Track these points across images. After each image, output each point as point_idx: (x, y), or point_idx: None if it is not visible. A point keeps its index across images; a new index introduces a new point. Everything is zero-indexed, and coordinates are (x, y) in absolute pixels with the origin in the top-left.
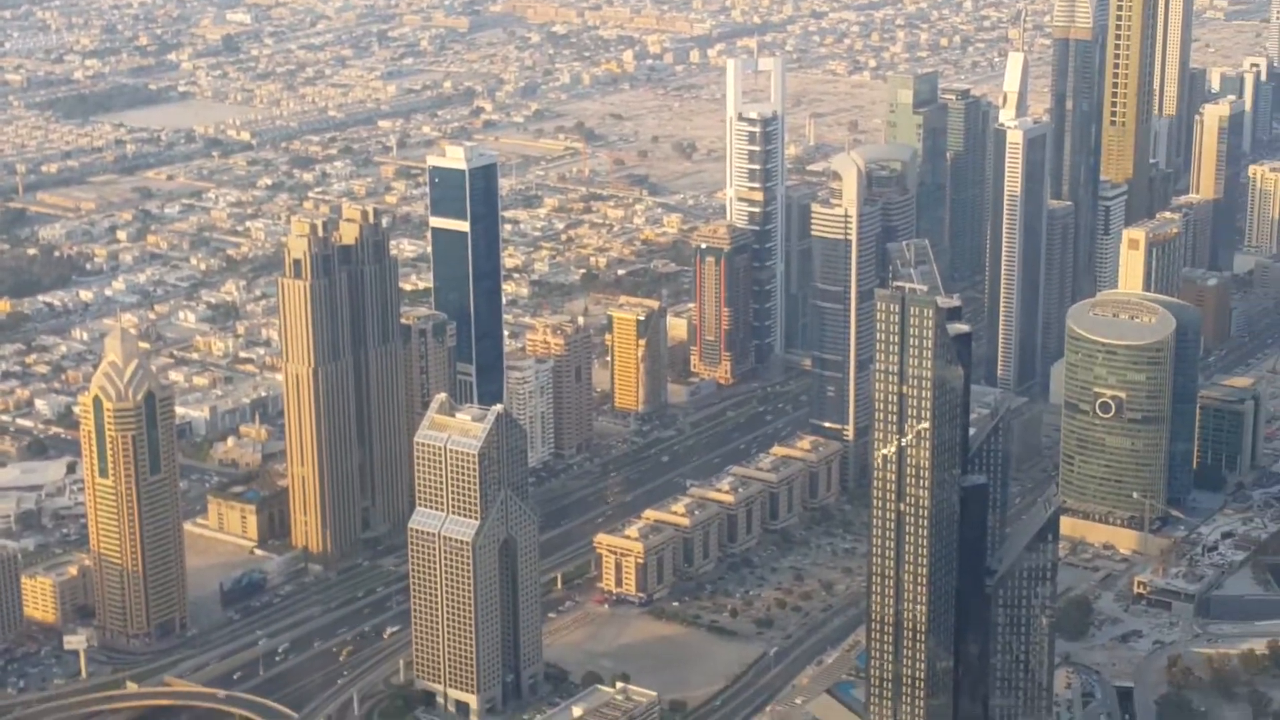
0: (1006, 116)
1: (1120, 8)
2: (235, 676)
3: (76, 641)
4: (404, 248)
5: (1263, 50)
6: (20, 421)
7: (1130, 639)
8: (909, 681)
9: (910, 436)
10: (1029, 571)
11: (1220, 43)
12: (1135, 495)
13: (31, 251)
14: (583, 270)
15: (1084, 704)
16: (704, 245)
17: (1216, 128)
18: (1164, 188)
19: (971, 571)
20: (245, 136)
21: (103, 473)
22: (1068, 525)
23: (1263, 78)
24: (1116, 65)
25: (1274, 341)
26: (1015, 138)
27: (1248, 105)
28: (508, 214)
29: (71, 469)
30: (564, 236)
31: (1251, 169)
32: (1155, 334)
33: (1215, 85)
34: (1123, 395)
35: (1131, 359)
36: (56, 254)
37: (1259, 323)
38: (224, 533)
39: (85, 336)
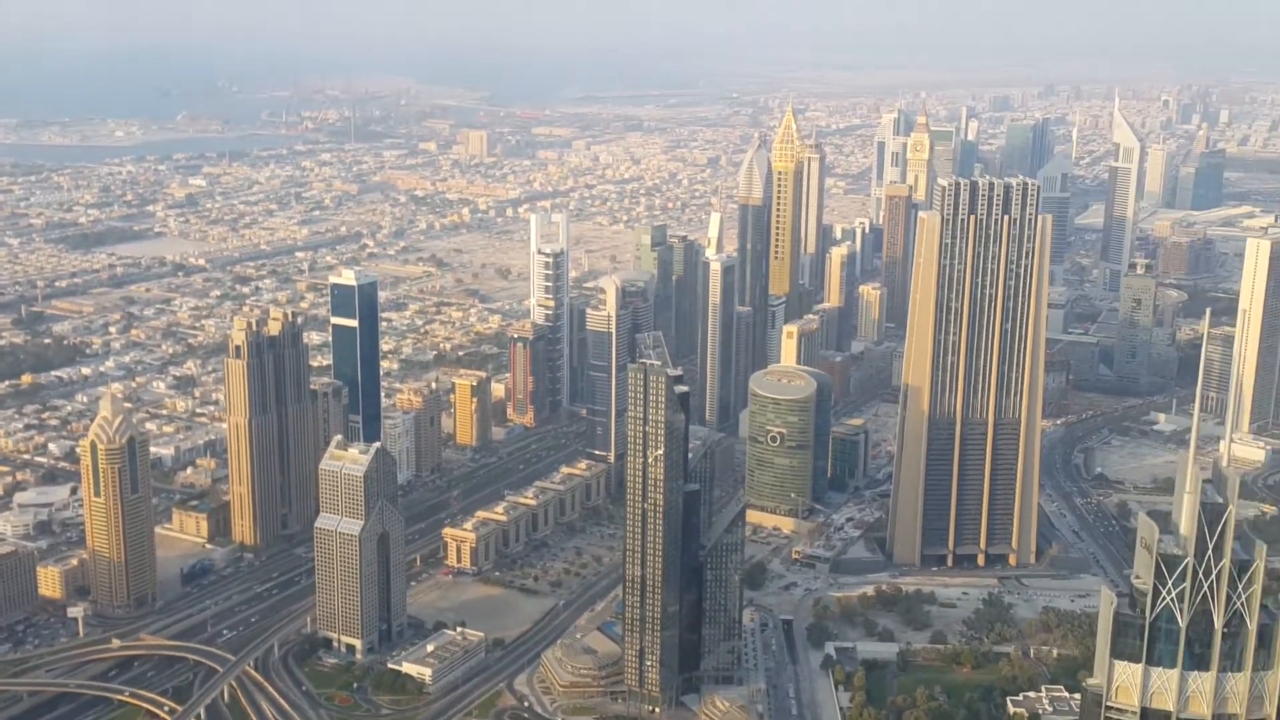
0: (710, 253)
1: (779, 185)
2: (191, 633)
3: (76, 611)
4: (312, 338)
5: (867, 214)
6: (37, 458)
7: (790, 588)
8: (650, 620)
9: (651, 459)
10: (726, 546)
11: (841, 208)
12: (792, 495)
13: (47, 341)
14: (435, 352)
15: (761, 630)
16: (515, 336)
17: (839, 261)
18: (808, 299)
19: (690, 546)
20: (201, 263)
21: (97, 493)
22: (751, 516)
23: (867, 231)
24: (777, 222)
25: (875, 398)
26: (715, 267)
27: (858, 247)
28: (384, 315)
29: (74, 491)
30: (422, 330)
31: (861, 288)
32: (803, 392)
33: (838, 234)
34: (784, 431)
35: (789, 408)
36: (65, 343)
37: (866, 385)
38: (183, 533)
39: (84, 399)
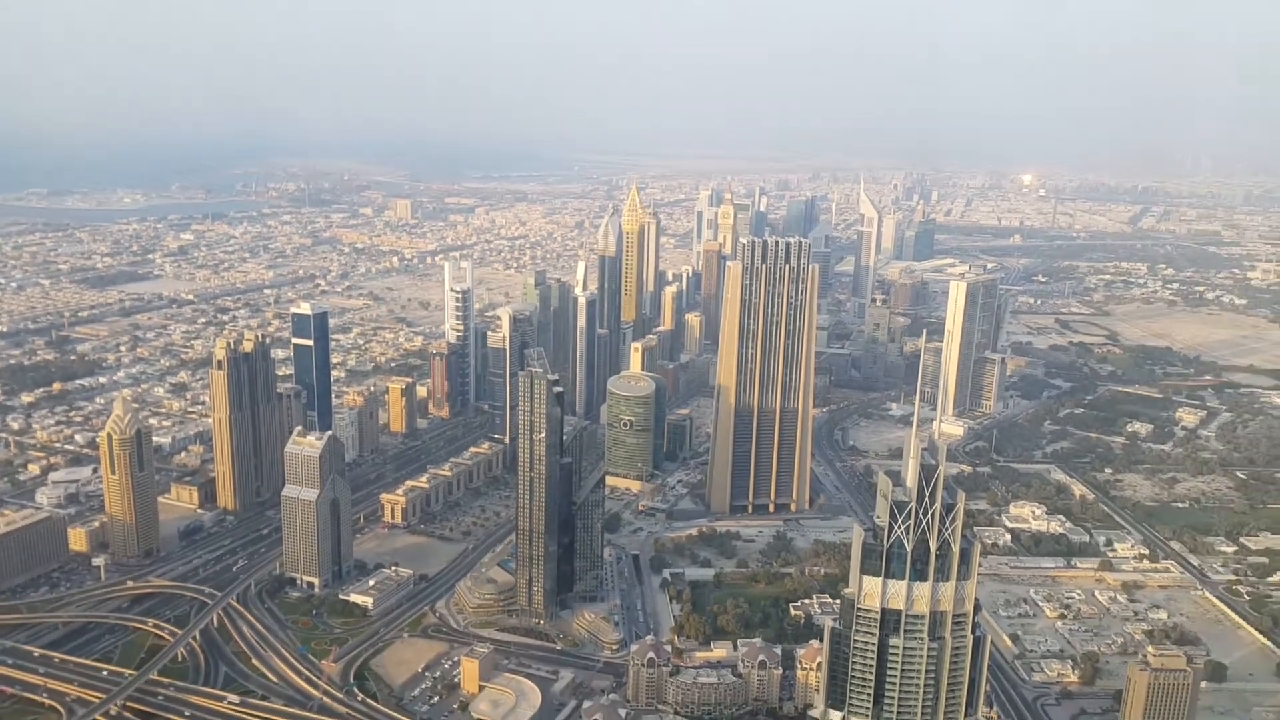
0: (578, 291)
1: (627, 242)
2: (188, 576)
3: (99, 561)
4: (278, 354)
5: (690, 263)
6: (66, 446)
7: (638, 531)
8: (536, 558)
9: (536, 441)
10: (591, 502)
11: (672, 259)
12: (639, 465)
13: (72, 357)
14: (373, 364)
15: (616, 562)
16: (434, 351)
17: (671, 297)
18: (649, 324)
19: (565, 503)
20: (191, 298)
21: (113, 472)
22: (609, 480)
23: (690, 275)
24: (626, 268)
25: (697, 394)
26: (581, 300)
27: (684, 286)
28: (333, 336)
29: (95, 470)
30: (363, 347)
31: (687, 316)
32: (646, 390)
33: (670, 277)
34: (633, 419)
35: (636, 402)
36: (86, 359)
37: (691, 385)
38: (179, 501)
39: (102, 401)
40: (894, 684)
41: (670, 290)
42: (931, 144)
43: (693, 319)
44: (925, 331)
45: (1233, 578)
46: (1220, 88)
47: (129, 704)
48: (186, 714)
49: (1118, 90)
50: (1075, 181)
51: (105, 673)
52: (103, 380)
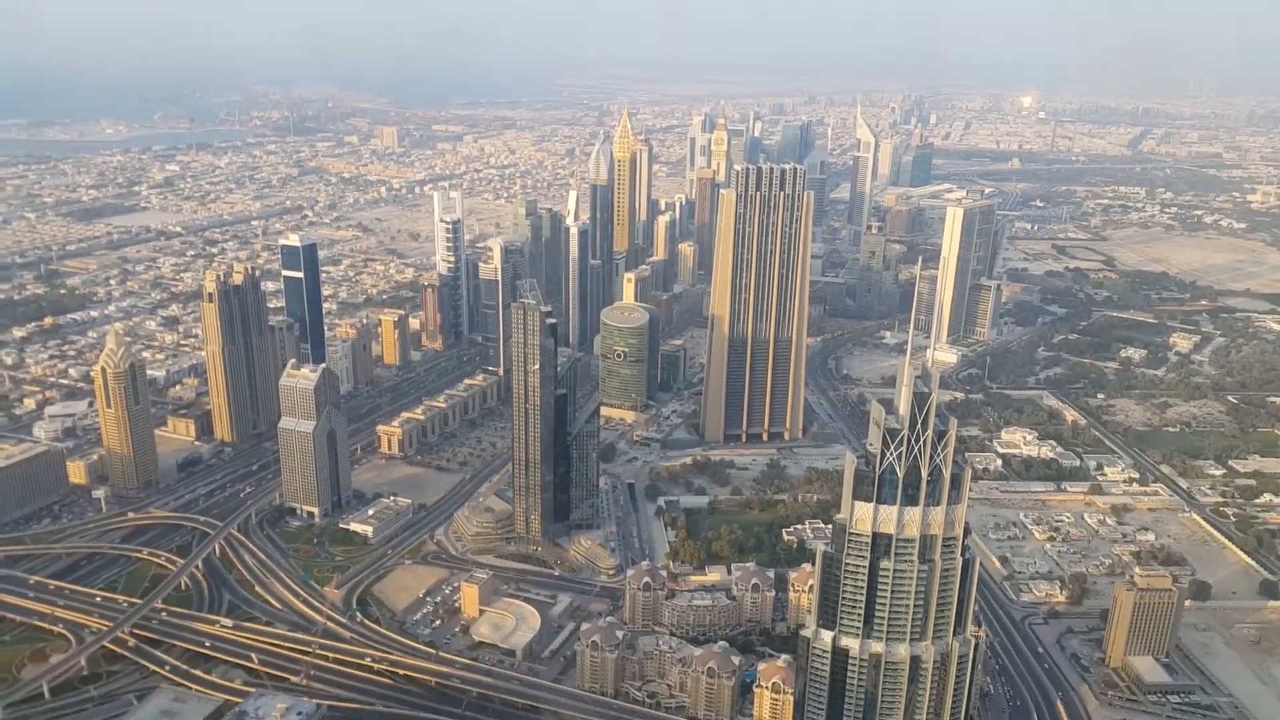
0: (570, 221)
1: (619, 170)
2: (188, 507)
3: (99, 493)
4: (268, 286)
5: (683, 191)
6: (61, 380)
7: (633, 461)
8: (532, 487)
9: (530, 372)
10: (586, 433)
11: (664, 187)
12: (633, 395)
13: (62, 292)
14: (364, 296)
15: (612, 490)
16: (426, 283)
17: (664, 226)
18: (642, 254)
19: (560, 433)
20: (179, 229)
21: (108, 405)
22: (604, 411)
23: (683, 203)
24: (618, 197)
25: (691, 324)
26: (573, 231)
27: (677, 216)
28: (323, 268)
29: (90, 404)
30: (354, 279)
31: (680, 245)
32: (640, 321)
33: (663, 206)
34: (626, 350)
35: (630, 333)
36: (77, 293)
37: (684, 316)
38: (176, 434)
39: (94, 335)
40: (884, 605)
41: (663, 219)
42: (930, 64)
43: (686, 248)
44: (921, 259)
45: (1220, 500)
46: (1228, 2)
47: (135, 631)
48: (191, 639)
49: (1121, 5)
50: (1076, 104)
51: (104, 600)
52: (94, 314)
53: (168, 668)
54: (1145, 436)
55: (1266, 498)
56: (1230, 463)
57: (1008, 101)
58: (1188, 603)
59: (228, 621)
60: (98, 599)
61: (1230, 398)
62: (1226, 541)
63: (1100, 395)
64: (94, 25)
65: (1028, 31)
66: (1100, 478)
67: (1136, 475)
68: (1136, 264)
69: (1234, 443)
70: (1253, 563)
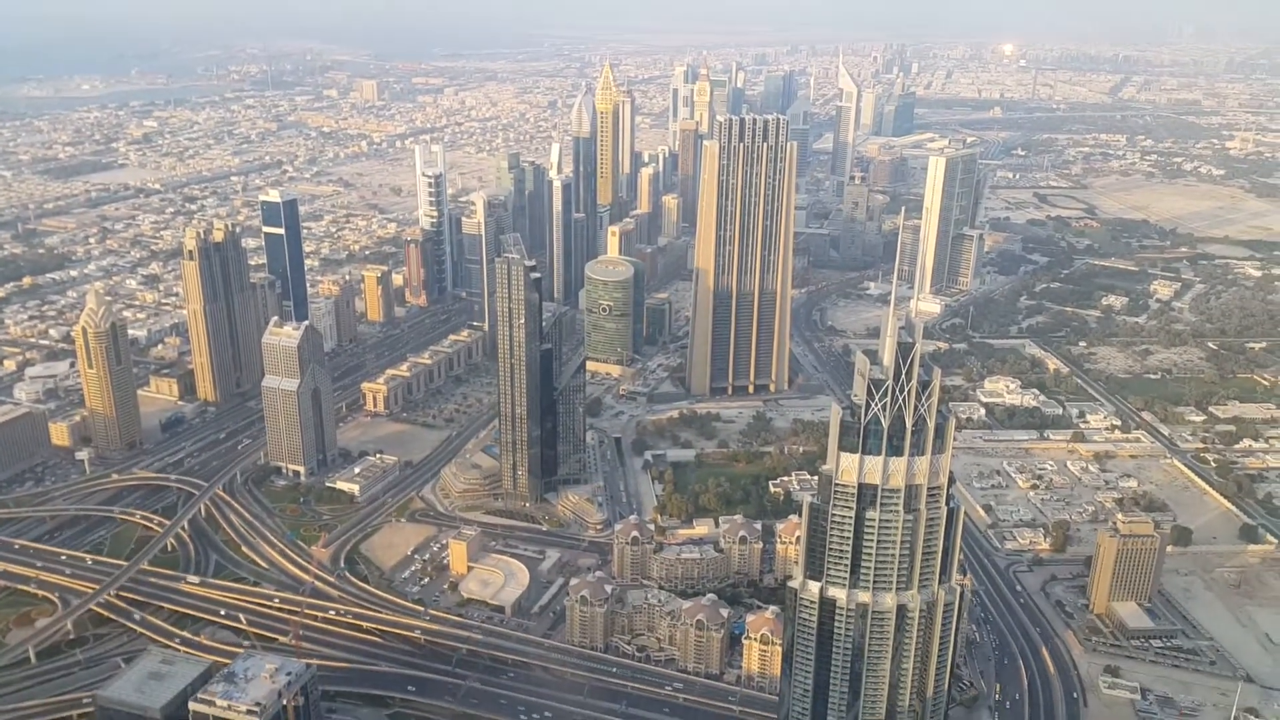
0: (553, 174)
1: (602, 122)
2: (173, 468)
3: (83, 455)
4: (249, 243)
5: (666, 143)
6: (41, 341)
7: (619, 415)
8: (519, 443)
9: (515, 327)
10: (572, 387)
11: (648, 139)
12: (619, 349)
13: (41, 251)
14: (347, 252)
15: (599, 445)
16: (409, 238)
17: (648, 179)
18: (626, 207)
19: (546, 389)
20: (158, 187)
21: (90, 366)
22: (590, 365)
23: (667, 155)
24: (601, 150)
25: (676, 277)
26: (557, 184)
27: (661, 168)
28: (304, 224)
29: (72, 365)
30: (335, 235)
31: (664, 198)
32: (624, 275)
33: (646, 158)
34: (611, 304)
35: (615, 287)
36: (55, 252)
37: (669, 268)
38: (159, 394)
39: (74, 295)
40: (870, 555)
41: (647, 172)
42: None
43: (670, 201)
44: (904, 209)
45: (1201, 446)
46: None
47: (121, 593)
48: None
49: None
50: (1056, 51)
51: (94, 563)
52: (74, 274)
53: (155, 628)
54: (1127, 384)
55: (1246, 443)
56: (1210, 409)
57: (989, 50)
58: (1169, 548)
59: (194, 579)
60: (87, 561)
61: (1210, 344)
62: (1207, 487)
63: (1082, 343)
64: None
65: None
66: (1082, 425)
67: (1118, 422)
68: (1117, 212)
69: (1214, 388)
70: (1232, 508)
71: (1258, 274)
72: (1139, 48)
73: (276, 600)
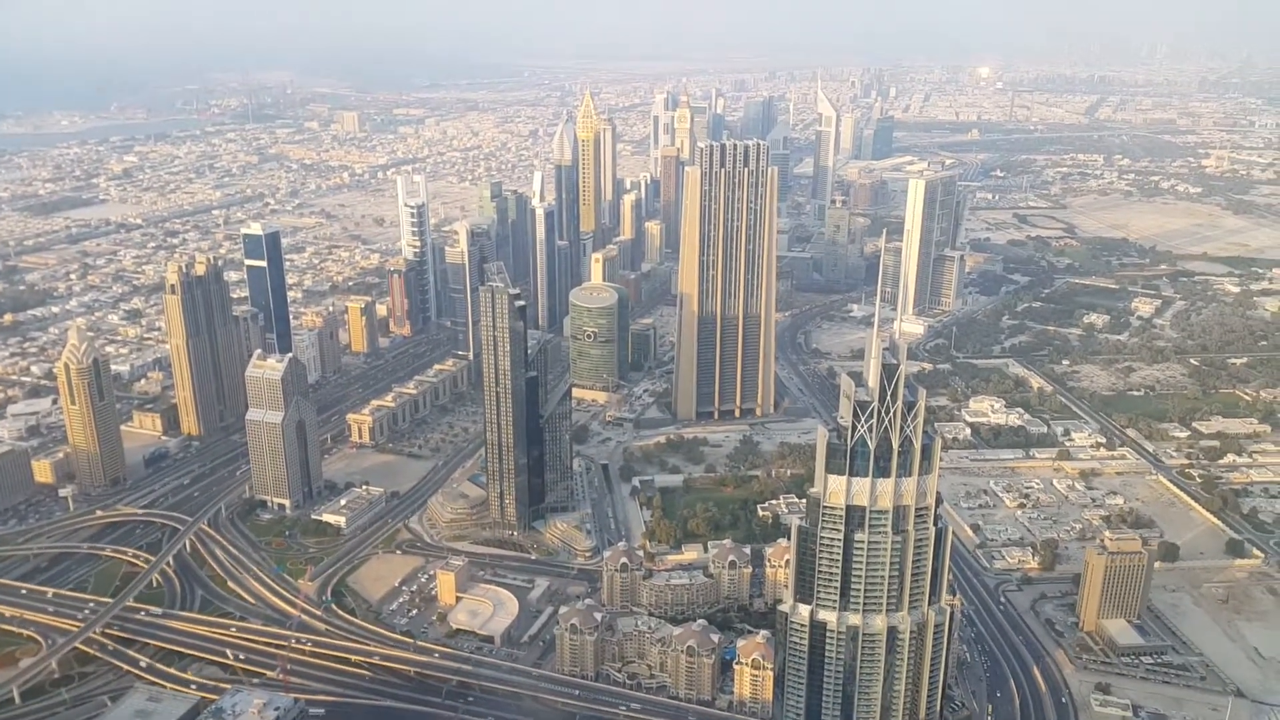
0: (535, 202)
1: (583, 150)
2: (157, 503)
3: (66, 492)
4: (231, 276)
5: (648, 169)
6: (23, 378)
7: (606, 441)
8: (506, 471)
9: (501, 355)
10: (559, 414)
11: (629, 165)
12: (604, 376)
13: (21, 288)
14: (330, 283)
15: (586, 472)
16: (392, 269)
17: (630, 205)
18: (609, 234)
19: (532, 416)
20: (139, 221)
21: (73, 402)
22: (576, 392)
23: (649, 182)
24: (583, 177)
25: (660, 303)
26: (539, 212)
27: (643, 194)
28: (287, 256)
29: (54, 401)
30: (318, 266)
31: (646, 224)
32: (609, 301)
33: (628, 185)
34: (596, 330)
35: (599, 313)
36: (37, 288)
37: (653, 294)
38: (143, 429)
39: (56, 331)
40: (859, 577)
41: (629, 198)
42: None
43: (653, 227)
44: (885, 231)
45: (1185, 461)
46: None
47: (107, 631)
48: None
49: None
50: (1033, 73)
51: (76, 600)
52: (55, 310)
53: (143, 665)
54: (1110, 401)
55: (1230, 458)
56: (1194, 424)
57: (965, 73)
58: (1157, 565)
59: (156, 610)
60: (69, 599)
61: (1192, 360)
62: (1192, 503)
63: (1065, 361)
64: (46, 12)
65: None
66: (1068, 443)
67: (1103, 439)
68: (1097, 230)
69: (1197, 404)
70: (1219, 523)
71: (1236, 290)
72: (1114, 68)
73: (262, 637)
